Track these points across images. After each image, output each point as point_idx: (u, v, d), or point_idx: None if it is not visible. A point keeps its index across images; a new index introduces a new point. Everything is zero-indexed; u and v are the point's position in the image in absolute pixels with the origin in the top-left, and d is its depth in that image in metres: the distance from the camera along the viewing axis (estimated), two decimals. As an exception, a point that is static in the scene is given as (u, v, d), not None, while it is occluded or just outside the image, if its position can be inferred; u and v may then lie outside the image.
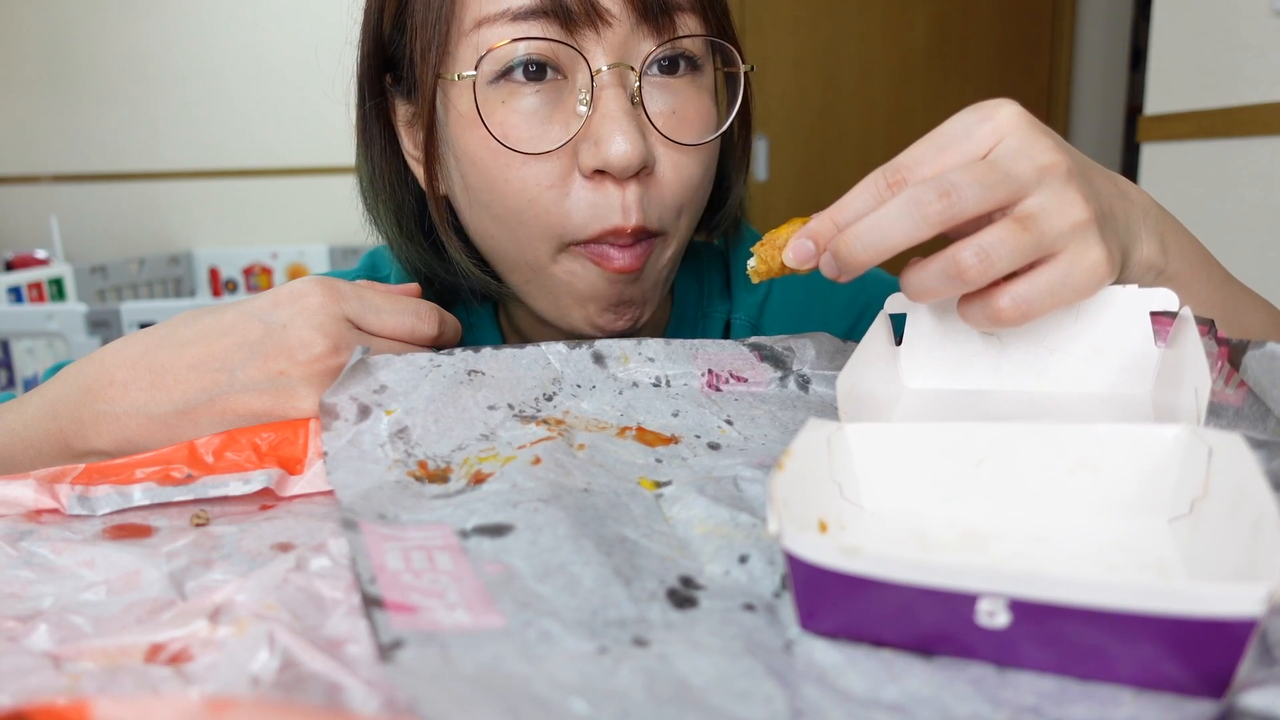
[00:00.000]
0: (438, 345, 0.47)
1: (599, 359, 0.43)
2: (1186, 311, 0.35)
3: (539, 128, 0.46)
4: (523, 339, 0.61)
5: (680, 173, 0.48)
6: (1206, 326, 0.35)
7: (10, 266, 2.50)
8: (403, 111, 0.53)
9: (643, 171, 0.47)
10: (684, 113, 0.48)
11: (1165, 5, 1.64)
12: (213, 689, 0.22)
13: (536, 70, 0.46)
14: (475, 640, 0.24)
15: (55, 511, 0.34)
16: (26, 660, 0.24)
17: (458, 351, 0.42)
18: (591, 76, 0.45)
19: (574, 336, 0.58)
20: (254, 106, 2.72)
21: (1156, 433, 0.28)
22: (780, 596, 0.27)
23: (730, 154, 0.57)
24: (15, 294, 2.16)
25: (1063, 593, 0.20)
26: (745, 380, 0.44)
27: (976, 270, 0.33)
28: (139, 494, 0.35)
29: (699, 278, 0.63)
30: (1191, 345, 0.32)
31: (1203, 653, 0.20)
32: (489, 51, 0.45)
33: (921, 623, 0.22)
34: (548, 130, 0.46)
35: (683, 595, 0.27)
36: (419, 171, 0.53)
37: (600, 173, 0.46)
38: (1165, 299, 0.36)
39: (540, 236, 0.48)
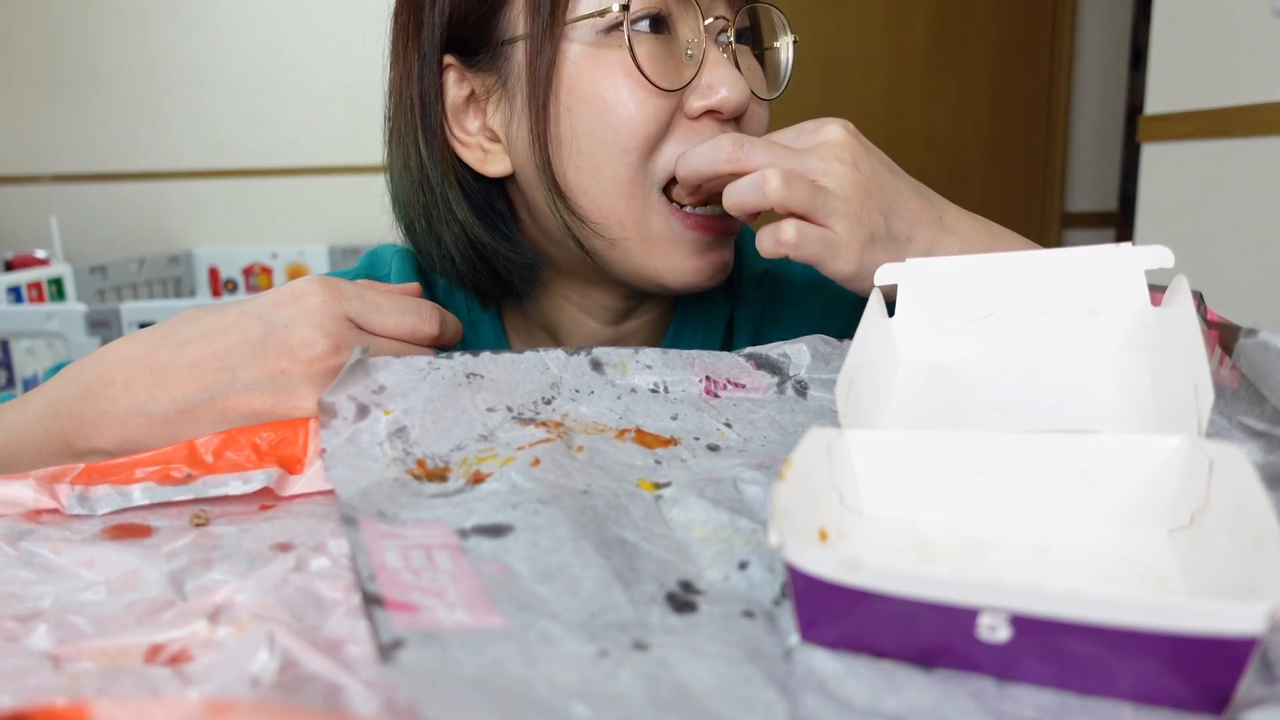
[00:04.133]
0: (439, 345, 0.47)
1: (597, 366, 0.43)
2: (1182, 280, 0.34)
3: (658, 69, 0.50)
4: (538, 328, 0.62)
5: (757, 124, 0.55)
6: (1196, 300, 0.35)
7: (10, 266, 2.50)
8: (457, 94, 0.53)
9: (738, 119, 0.53)
10: (755, 71, 0.55)
11: (1165, 5, 1.64)
12: (212, 689, 0.22)
13: (655, 23, 0.50)
14: (476, 641, 0.24)
15: (55, 511, 0.34)
16: (26, 660, 0.24)
17: (456, 355, 0.42)
18: (702, 26, 0.51)
19: (577, 342, 0.58)
20: (254, 106, 2.72)
21: (1157, 443, 0.27)
22: (780, 604, 0.26)
23: None
24: (15, 294, 2.15)
25: (1064, 608, 0.20)
26: (743, 386, 0.44)
27: (776, 186, 0.44)
28: (139, 493, 0.35)
29: None
30: (1189, 325, 0.31)
31: (1203, 670, 0.20)
32: None
33: (922, 635, 0.22)
34: (663, 73, 0.50)
35: (682, 600, 0.27)
36: (471, 156, 0.54)
37: (706, 115, 0.51)
38: (1160, 256, 0.36)
39: (640, 182, 0.51)
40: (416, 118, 0.54)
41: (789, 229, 0.44)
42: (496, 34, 0.51)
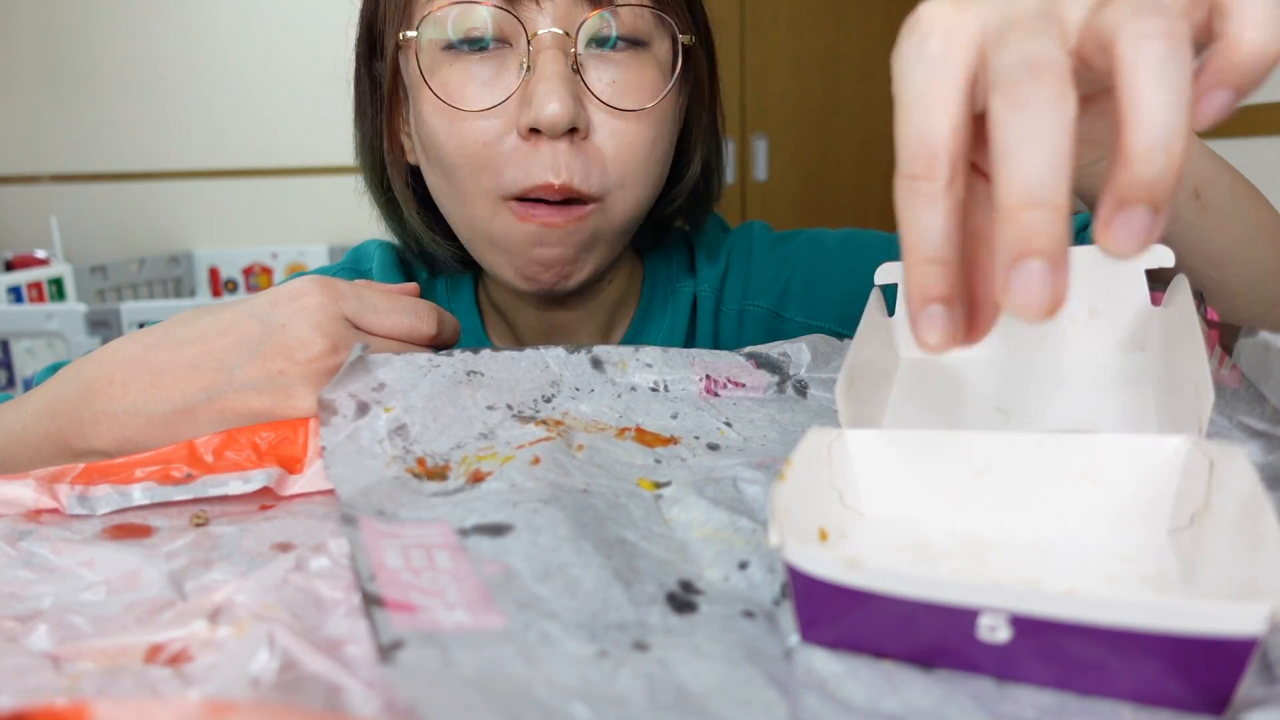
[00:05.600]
0: (437, 344, 0.47)
1: (597, 364, 0.43)
2: (1182, 279, 0.34)
3: (482, 89, 0.50)
4: (496, 312, 0.64)
5: (620, 140, 0.51)
6: (1196, 300, 0.35)
7: (10, 266, 2.50)
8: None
9: (576, 135, 0.49)
10: (624, 82, 0.51)
11: (1165, 5, 1.64)
12: (212, 690, 0.22)
13: (480, 41, 0.50)
14: (475, 641, 0.24)
15: (55, 511, 0.34)
16: (26, 660, 0.24)
17: (456, 352, 0.42)
18: (528, 41, 0.49)
19: (524, 323, 0.62)
20: (254, 106, 2.72)
21: (1157, 443, 0.27)
22: (780, 605, 0.26)
23: (689, 132, 0.59)
24: (15, 294, 2.15)
25: (1064, 609, 0.20)
26: (743, 385, 0.44)
27: None
28: (138, 493, 0.35)
29: (668, 256, 0.66)
30: (1189, 325, 0.31)
31: (1203, 670, 0.20)
32: (429, 14, 0.49)
33: (922, 636, 0.22)
34: (490, 92, 0.50)
35: (682, 600, 0.27)
36: (406, 144, 0.58)
37: (535, 133, 0.49)
38: (1160, 255, 0.36)
39: (478, 192, 0.52)
40: (354, 110, 0.60)
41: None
42: (387, 46, 0.55)
